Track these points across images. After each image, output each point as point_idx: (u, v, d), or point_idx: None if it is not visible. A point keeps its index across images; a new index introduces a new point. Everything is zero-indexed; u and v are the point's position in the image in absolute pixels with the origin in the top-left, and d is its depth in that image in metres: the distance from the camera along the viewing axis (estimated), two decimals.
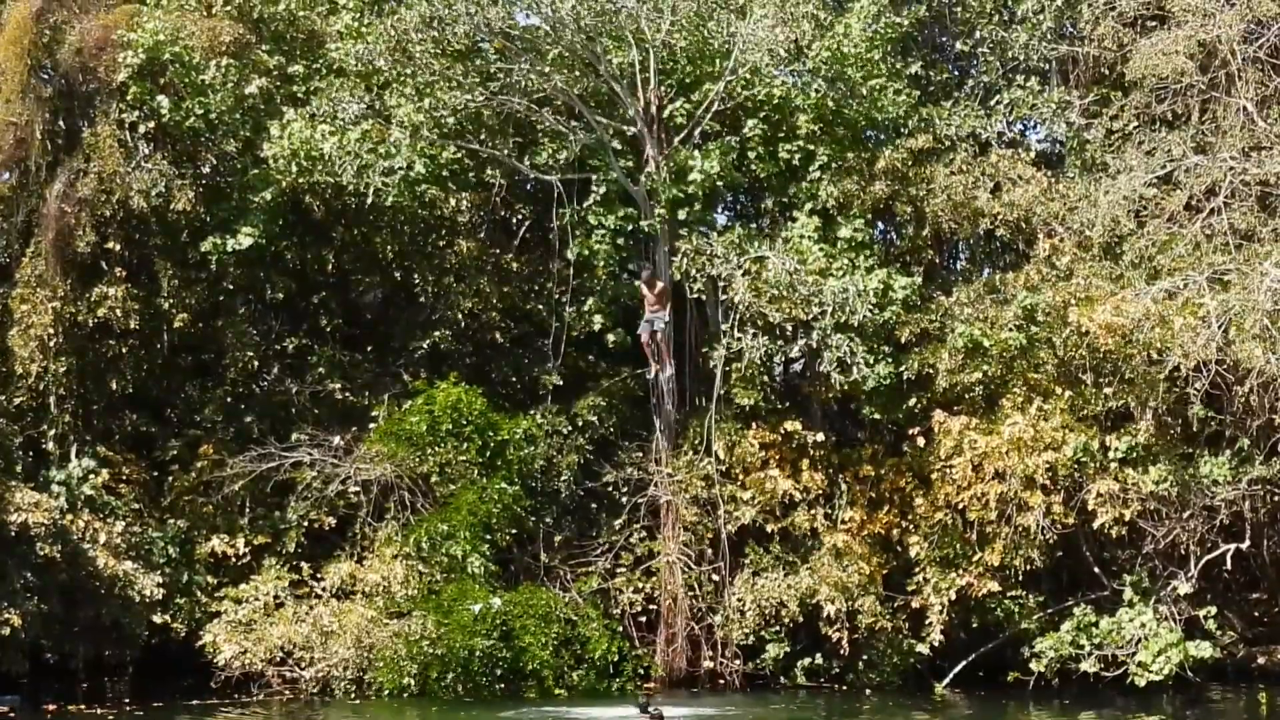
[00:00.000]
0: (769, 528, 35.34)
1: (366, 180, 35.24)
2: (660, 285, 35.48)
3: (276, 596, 33.67)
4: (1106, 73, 38.22)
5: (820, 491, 35.44)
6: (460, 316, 37.81)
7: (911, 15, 39.29)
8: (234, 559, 34.50)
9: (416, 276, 38.21)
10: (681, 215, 36.07)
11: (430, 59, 35.82)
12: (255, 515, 35.14)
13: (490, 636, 32.28)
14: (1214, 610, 33.72)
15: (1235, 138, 34.42)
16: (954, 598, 34.09)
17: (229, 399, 36.78)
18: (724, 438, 35.59)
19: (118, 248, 35.33)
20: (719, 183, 36.51)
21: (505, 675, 32.57)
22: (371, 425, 35.80)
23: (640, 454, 36.88)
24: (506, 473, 34.83)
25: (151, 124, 35.88)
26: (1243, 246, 33.66)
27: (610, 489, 36.71)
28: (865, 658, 35.23)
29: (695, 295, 36.35)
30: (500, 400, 36.93)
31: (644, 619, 35.66)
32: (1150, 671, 32.63)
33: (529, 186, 39.53)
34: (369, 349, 38.64)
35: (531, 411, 36.59)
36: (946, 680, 35.20)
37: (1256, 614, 36.12)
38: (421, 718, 30.24)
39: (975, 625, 34.95)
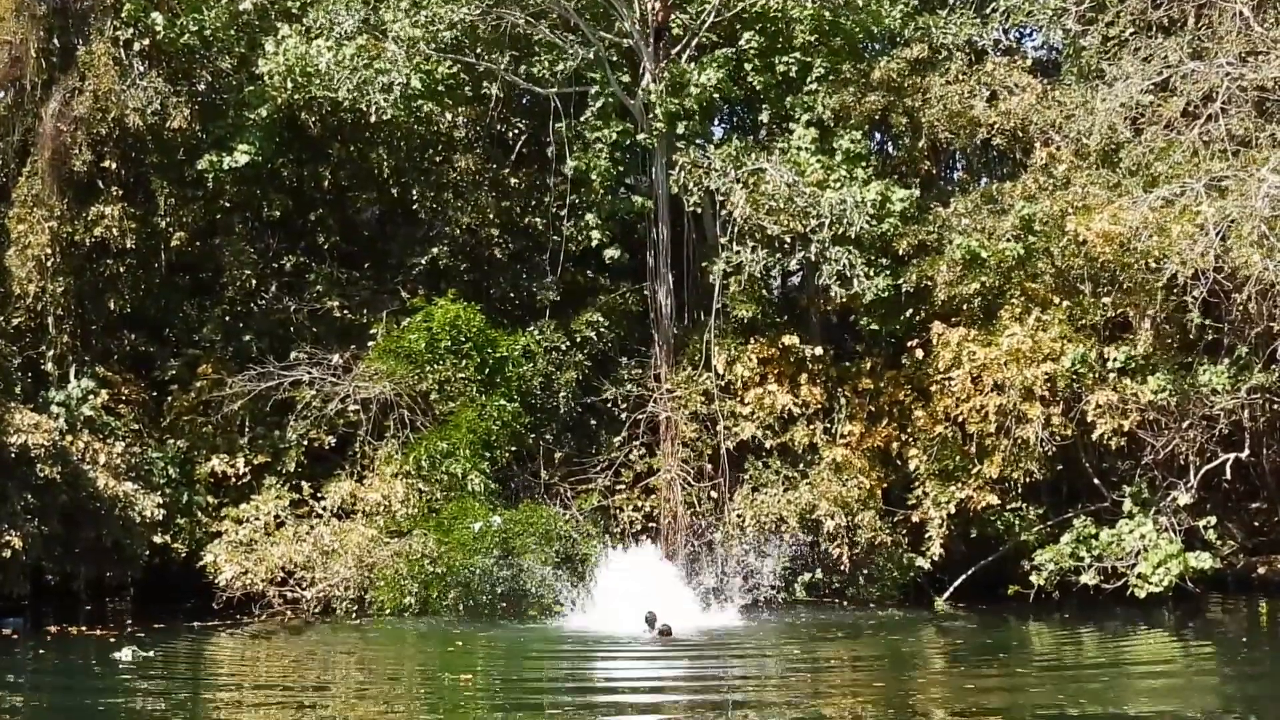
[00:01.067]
0: (768, 443, 34.86)
1: (362, 96, 34.47)
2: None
3: (277, 516, 32.99)
4: None
5: (819, 406, 34.90)
6: (458, 232, 37.25)
7: None
8: (234, 479, 33.86)
9: (414, 193, 37.62)
10: (679, 129, 35.40)
11: None
12: (255, 435, 34.44)
13: (491, 554, 31.71)
14: (1214, 520, 32.99)
15: (1232, 43, 33.36)
16: (953, 511, 33.55)
17: (227, 318, 36.25)
18: (723, 353, 35.05)
19: (114, 166, 34.54)
20: (716, 95, 35.81)
21: (506, 594, 31.96)
22: (370, 343, 35.27)
23: (639, 370, 36.47)
24: (506, 390, 34.37)
25: (146, 41, 35.16)
26: (1240, 153, 32.66)
27: (609, 405, 36.24)
28: (865, 572, 34.78)
29: (692, 209, 35.67)
30: (499, 317, 36.37)
31: (645, 536, 35.13)
32: (1150, 583, 31.93)
33: (525, 101, 38.89)
34: (367, 266, 37.98)
35: (530, 328, 36.06)
36: (947, 594, 34.60)
37: (1256, 524, 35.38)
38: (423, 636, 29.51)
39: (975, 539, 34.45)
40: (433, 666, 25.33)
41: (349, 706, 20.87)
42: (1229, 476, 33.22)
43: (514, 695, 21.93)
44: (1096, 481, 33.92)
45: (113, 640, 26.90)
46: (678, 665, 25.15)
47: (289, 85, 34.52)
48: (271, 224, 37.19)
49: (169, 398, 35.08)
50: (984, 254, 33.60)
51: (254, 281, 36.04)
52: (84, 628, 29.80)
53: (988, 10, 37.70)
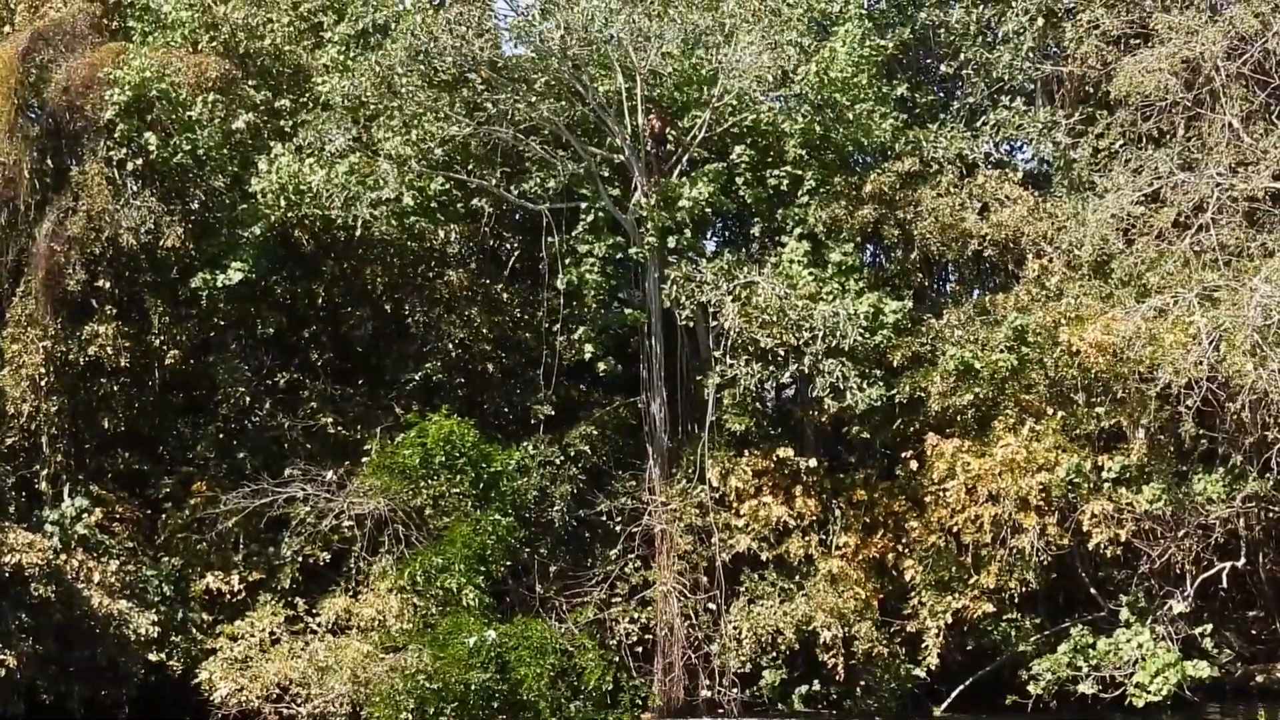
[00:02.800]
0: (764, 555, 35.39)
1: (355, 212, 35.26)
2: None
3: (272, 633, 33.52)
4: (1091, 91, 38.34)
5: (814, 517, 35.51)
6: (451, 348, 37.72)
7: (896, 38, 39.51)
8: (229, 596, 34.37)
9: (407, 308, 38.09)
10: (671, 242, 36.17)
11: (416, 91, 35.83)
12: (249, 551, 35.04)
13: (487, 669, 32.14)
14: (1211, 629, 33.82)
15: (1221, 154, 34.55)
16: (950, 621, 34.17)
17: (221, 435, 36.66)
18: (717, 465, 35.63)
19: (108, 285, 35.27)
20: (708, 209, 36.68)
21: (502, 708, 32.48)
22: (364, 459, 35.77)
23: (633, 483, 36.90)
24: (500, 504, 34.74)
25: (139, 161, 35.79)
26: (1231, 262, 33.78)
27: (604, 519, 36.67)
28: (863, 683, 35.31)
29: (685, 322, 36.42)
30: (493, 431, 36.83)
31: (640, 649, 35.62)
32: (1148, 692, 32.74)
33: (518, 216, 39.58)
34: (360, 382, 38.50)
35: (524, 442, 36.53)
36: (944, 704, 35.27)
37: (1254, 632, 36.17)
38: None
39: (972, 648, 35.13)
40: None
41: None
42: (1225, 585, 33.97)
43: None
44: (1093, 591, 34.63)
45: None
46: None
47: (282, 203, 35.20)
48: (265, 341, 37.59)
49: (163, 515, 35.56)
50: (977, 365, 34.40)
51: (248, 398, 36.39)
52: None
53: (978, 124, 38.65)
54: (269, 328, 37.19)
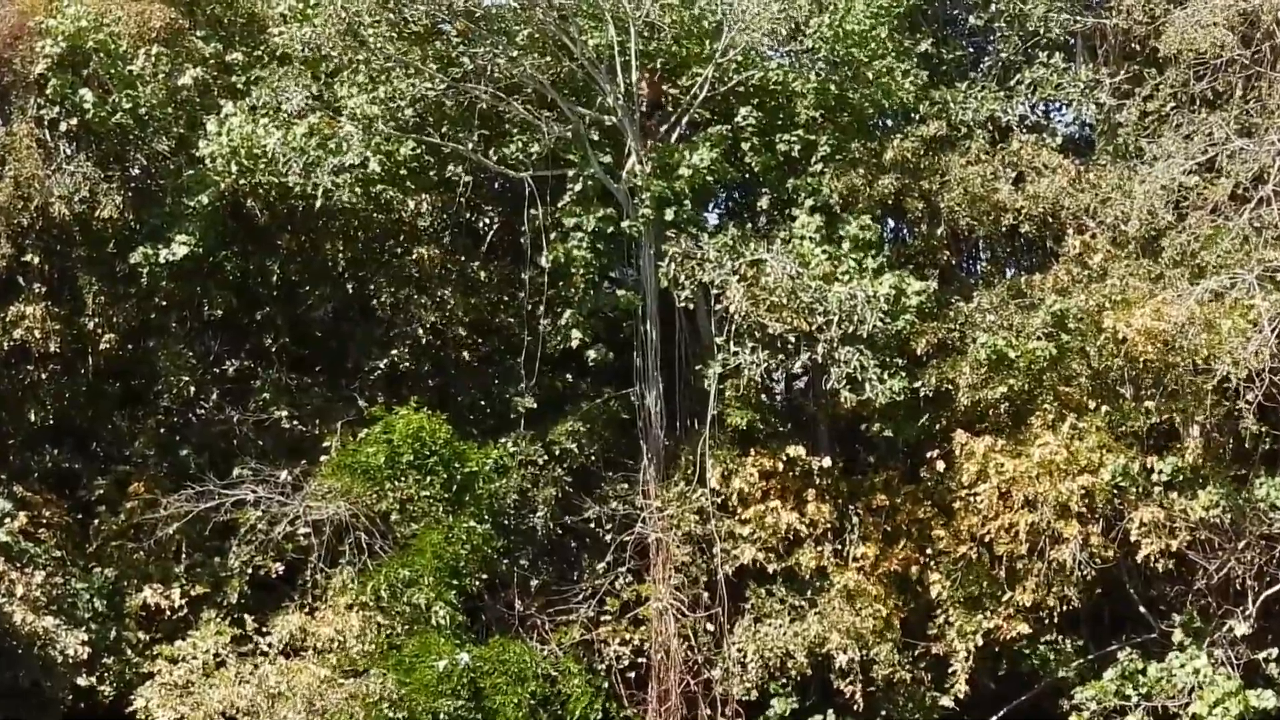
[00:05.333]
0: (771, 567, 34.84)
1: (315, 180, 34.81)
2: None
3: (217, 654, 32.84)
4: (1138, 47, 37.63)
5: (828, 525, 34.94)
6: (421, 333, 37.22)
7: None
8: (168, 612, 33.82)
9: (372, 288, 37.69)
10: (668, 215, 35.44)
11: (385, 43, 35.28)
12: (192, 562, 34.54)
13: (459, 696, 31.78)
14: (1275, 653, 33.07)
15: None
16: (981, 643, 33.64)
17: (162, 430, 36.28)
18: (719, 466, 35.11)
19: (36, 261, 34.89)
20: (710, 178, 36.02)
21: None
22: (323, 457, 35.26)
23: (626, 486, 36.44)
24: (476, 509, 34.24)
25: (74, 121, 35.36)
26: None
27: (592, 526, 36.21)
28: (883, 713, 34.75)
29: (684, 304, 35.83)
30: (468, 427, 36.30)
31: (633, 674, 35.20)
32: None
33: (497, 185, 39.07)
34: (319, 371, 38.03)
35: (503, 439, 35.92)
36: None
37: None
38: None
39: (1006, 674, 34.73)
40: None
41: None
42: None
43: None
44: (1143, 609, 34.13)
45: None
46: None
47: (233, 169, 34.75)
48: (212, 324, 37.23)
49: (95, 520, 35.04)
50: (1012, 354, 33.79)
51: (192, 389, 36.02)
52: None
53: (1012, 83, 38.16)
54: (217, 309, 36.56)
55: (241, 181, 35.06)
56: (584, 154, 35.82)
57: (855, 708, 34.07)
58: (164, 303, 36.50)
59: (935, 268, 37.79)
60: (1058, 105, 40.26)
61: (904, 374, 34.40)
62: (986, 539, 33.54)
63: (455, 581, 33.37)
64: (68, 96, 35.00)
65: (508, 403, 36.79)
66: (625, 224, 35.88)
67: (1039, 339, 33.77)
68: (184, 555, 34.44)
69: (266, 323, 37.67)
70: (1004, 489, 33.33)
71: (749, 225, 37.70)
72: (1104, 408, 33.73)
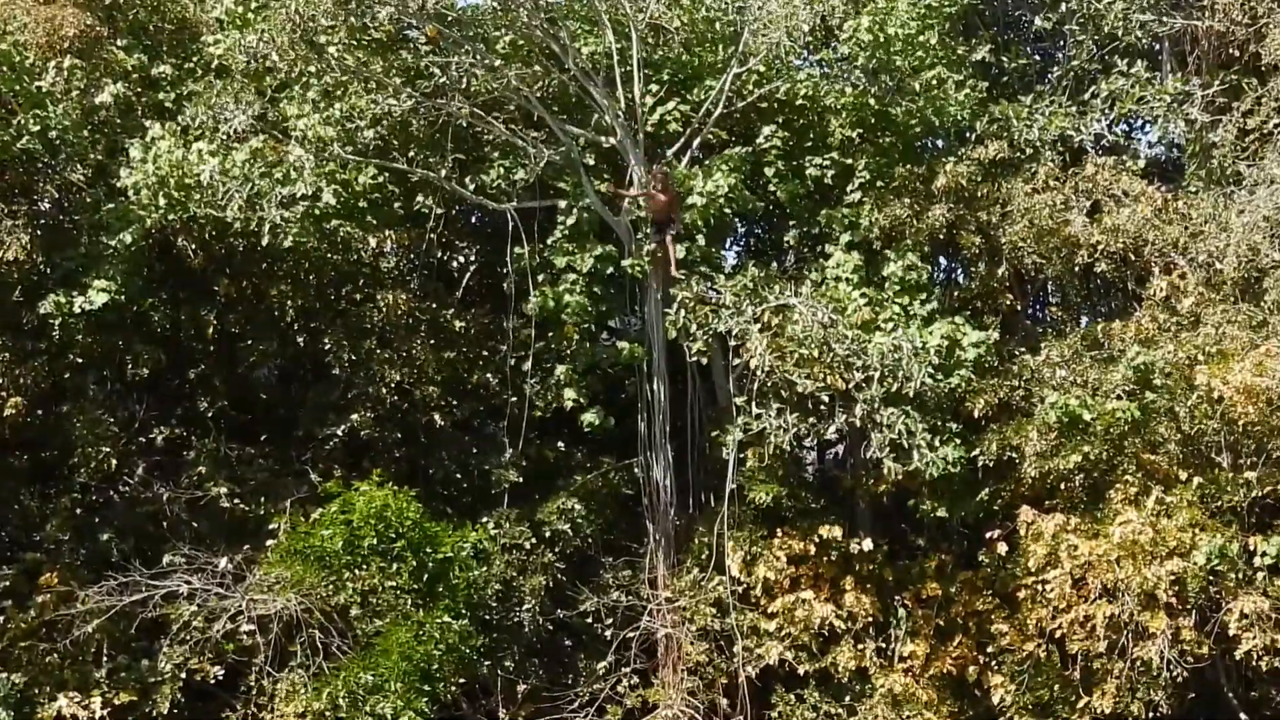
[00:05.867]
0: (802, 669, 35.29)
1: (259, 214, 34.98)
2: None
3: None
4: (1237, 53, 38.28)
5: (870, 619, 35.46)
6: (385, 394, 37.63)
7: None
8: None
9: (327, 342, 37.92)
10: (679, 253, 36.01)
11: (343, 52, 35.69)
12: (116, 666, 34.61)
13: None
14: None
15: None
16: None
17: (78, 511, 36.38)
18: (740, 550, 35.57)
19: None
20: (727, 208, 36.61)
21: None
22: (269, 542, 35.49)
23: (630, 574, 36.86)
24: (451, 602, 34.33)
25: None
26: None
27: (590, 621, 36.62)
28: None
29: (697, 358, 36.35)
30: (441, 505, 36.68)
31: None
32: None
33: (474, 219, 39.74)
34: (264, 440, 38.38)
35: (483, 519, 36.39)
36: None
37: None
38: None
39: None
40: None
41: None
42: None
43: None
44: (1244, 716, 34.36)
45: None
46: None
47: (161, 202, 34.86)
48: (137, 385, 37.35)
49: (1, 617, 34.93)
50: (1087, 416, 34.22)
51: (114, 461, 36.03)
52: None
53: (1086, 96, 38.57)
54: (143, 367, 36.81)
55: (171, 217, 35.21)
56: (577, 181, 36.29)
57: None
58: (80, 360, 36.61)
59: (995, 314, 37.96)
60: (1140, 122, 40.84)
61: (959, 440, 34.78)
62: (1058, 635, 33.79)
63: (427, 687, 33.23)
64: None
65: (488, 476, 37.26)
66: (627, 263, 36.33)
67: (1119, 398, 34.15)
68: (105, 657, 34.34)
69: (202, 383, 38.01)
70: (1078, 575, 33.61)
71: (773, 265, 38.25)
72: (1196, 479, 33.95)
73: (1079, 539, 33.96)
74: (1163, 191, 37.37)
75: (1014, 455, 35.04)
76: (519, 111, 36.95)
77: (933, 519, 36.78)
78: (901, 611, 35.81)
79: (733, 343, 35.34)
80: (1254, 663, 32.95)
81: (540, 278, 36.69)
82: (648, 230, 35.97)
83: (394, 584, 34.30)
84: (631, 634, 36.09)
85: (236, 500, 36.57)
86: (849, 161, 37.25)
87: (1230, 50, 38.44)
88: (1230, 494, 33.91)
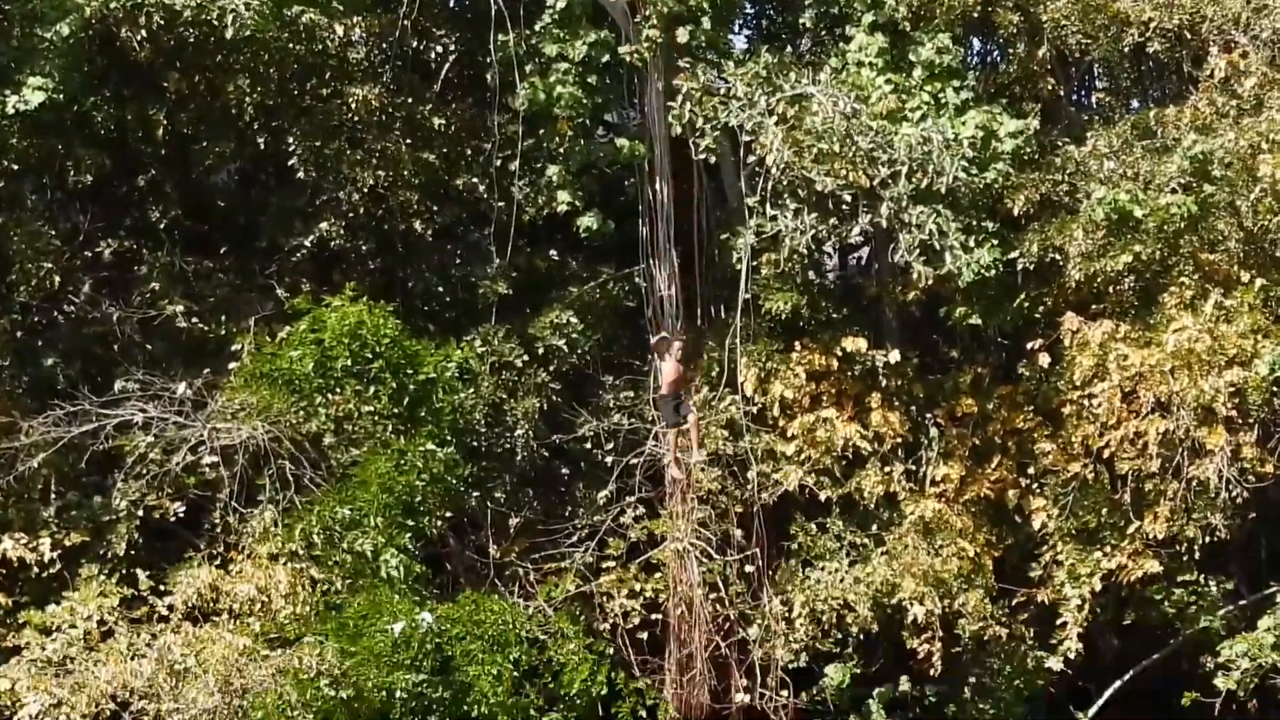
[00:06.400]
0: (824, 495, 35.68)
1: (213, 1, 34.84)
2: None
3: (102, 621, 33.13)
4: None
5: (898, 439, 35.75)
6: (357, 199, 37.62)
7: None
8: (36, 568, 34.14)
9: (291, 142, 37.81)
10: (682, 37, 35.88)
11: None
12: (65, 504, 34.95)
13: (420, 668, 32.10)
14: None
15: None
16: (1099, 587, 34.32)
17: (19, 334, 36.56)
18: (754, 365, 35.80)
19: None
20: None
21: None
22: (232, 365, 35.64)
23: (632, 394, 37.14)
24: (435, 428, 34.55)
25: None
26: None
27: (589, 447, 36.98)
28: (973, 679, 35.70)
29: (705, 156, 36.25)
30: (422, 321, 36.95)
31: (645, 635, 35.93)
32: None
33: (452, 3, 39.53)
34: (224, 253, 38.48)
35: (469, 337, 36.62)
36: (1094, 708, 35.61)
37: None
38: None
39: (1132, 626, 35.48)
40: None
41: None
42: None
43: None
44: None
45: None
46: None
47: None
48: (81, 194, 37.40)
49: None
50: (1138, 212, 34.35)
51: (57, 278, 36.04)
52: None
53: None
54: (86, 174, 36.77)
55: (114, 4, 34.97)
56: None
57: (934, 673, 34.88)
58: (15, 166, 36.55)
59: (1035, 101, 37.66)
60: None
61: (995, 241, 34.80)
62: (1105, 454, 34.11)
63: (410, 522, 33.49)
64: None
65: (474, 288, 37.48)
66: (624, 51, 36.15)
67: (1173, 191, 34.25)
68: (54, 495, 34.71)
69: (152, 190, 37.92)
70: (1128, 388, 33.92)
71: (788, 50, 38.10)
72: (1259, 280, 34.26)
73: (1129, 348, 34.25)
74: None
75: (1057, 257, 35.20)
76: None
77: (967, 328, 37.04)
78: (933, 431, 36.09)
79: (744, 138, 35.27)
80: None
81: (528, 68, 36.55)
82: (649, 15, 35.67)
83: (371, 409, 34.47)
84: (635, 460, 36.36)
85: (194, 319, 36.73)
86: None
87: None
88: None
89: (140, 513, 34.72)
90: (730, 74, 35.79)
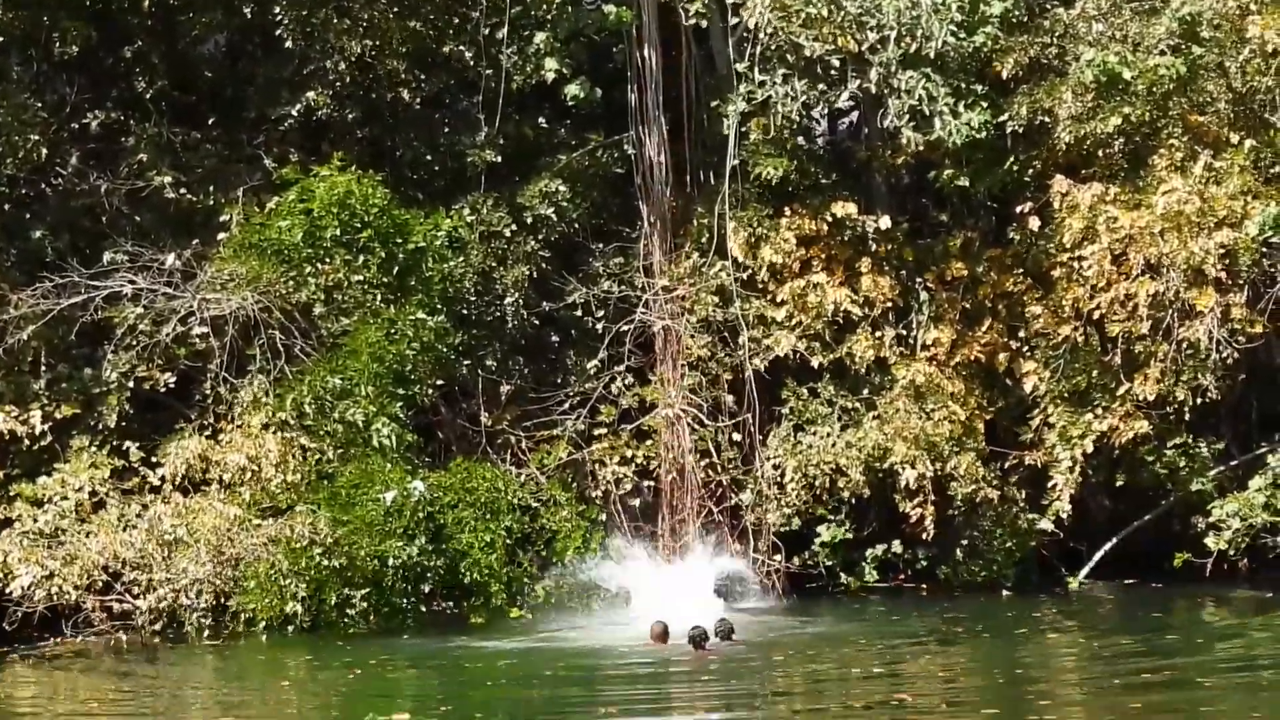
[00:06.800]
0: (815, 360, 35.55)
1: None
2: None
3: (93, 493, 33.45)
4: None
5: (889, 304, 35.67)
6: (345, 68, 37.52)
7: None
8: (27, 440, 34.20)
9: (278, 11, 37.32)
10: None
11: None
12: (56, 375, 34.93)
13: (412, 536, 32.22)
14: None
15: None
16: (1090, 449, 34.14)
17: (6, 206, 36.49)
18: (744, 231, 35.62)
19: None
20: None
21: (436, 591, 32.73)
22: (221, 235, 35.68)
23: (622, 261, 37.08)
24: (425, 297, 34.75)
25: None
26: None
27: (580, 314, 36.92)
28: (964, 542, 35.59)
29: (694, 21, 36.21)
30: (411, 190, 36.87)
31: (637, 501, 35.88)
32: None
33: None
34: (211, 124, 38.31)
35: (458, 205, 36.47)
36: (1085, 570, 35.55)
37: None
38: (316, 660, 29.88)
39: (1123, 488, 35.32)
40: (337, 704, 25.67)
41: None
42: None
43: None
44: None
45: None
46: (700, 688, 25.79)
47: None
48: (67, 65, 37.25)
49: None
50: (1127, 74, 34.03)
51: (44, 150, 35.91)
52: None
53: None
54: (71, 45, 36.66)
55: None
56: None
57: (926, 536, 34.76)
58: (1, 39, 36.51)
59: None
60: None
61: (985, 104, 34.56)
62: (1096, 316, 34.04)
63: (401, 391, 33.80)
64: None
65: (462, 157, 37.27)
66: None
67: (1163, 53, 33.94)
68: (44, 367, 34.72)
69: (139, 61, 37.85)
70: (1118, 250, 33.72)
71: None
72: (1249, 142, 33.90)
73: (1119, 210, 34.01)
74: None
75: (1046, 119, 35.01)
76: None
77: (956, 192, 36.83)
78: (923, 295, 35.95)
79: (731, 2, 35.16)
80: None
81: None
82: None
83: (361, 278, 34.65)
84: (625, 327, 36.30)
85: (182, 190, 36.65)
86: None
87: None
88: None
89: (130, 384, 34.74)
90: None
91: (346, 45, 37.36)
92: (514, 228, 36.56)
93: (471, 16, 37.72)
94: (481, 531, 32.84)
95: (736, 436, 35.68)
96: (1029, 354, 35.34)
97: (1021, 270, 35.85)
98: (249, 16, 38.29)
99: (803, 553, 35.53)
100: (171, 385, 34.97)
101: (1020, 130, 35.31)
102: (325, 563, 31.90)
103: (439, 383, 35.23)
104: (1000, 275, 35.99)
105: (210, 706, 26.15)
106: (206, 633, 32.22)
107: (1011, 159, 35.88)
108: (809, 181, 36.47)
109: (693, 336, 35.76)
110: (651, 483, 36.04)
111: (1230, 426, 35.69)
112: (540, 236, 36.79)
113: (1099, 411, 34.30)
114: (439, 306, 34.87)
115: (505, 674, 27.77)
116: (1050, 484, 34.61)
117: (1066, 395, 34.72)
